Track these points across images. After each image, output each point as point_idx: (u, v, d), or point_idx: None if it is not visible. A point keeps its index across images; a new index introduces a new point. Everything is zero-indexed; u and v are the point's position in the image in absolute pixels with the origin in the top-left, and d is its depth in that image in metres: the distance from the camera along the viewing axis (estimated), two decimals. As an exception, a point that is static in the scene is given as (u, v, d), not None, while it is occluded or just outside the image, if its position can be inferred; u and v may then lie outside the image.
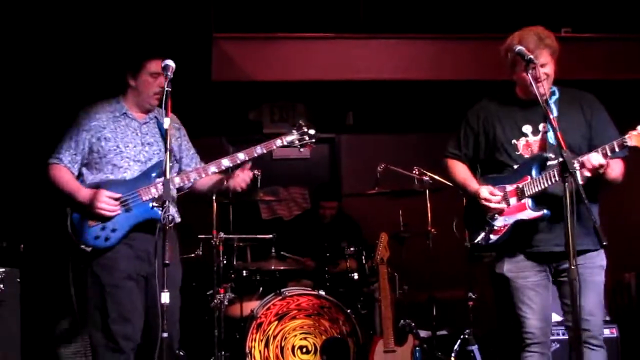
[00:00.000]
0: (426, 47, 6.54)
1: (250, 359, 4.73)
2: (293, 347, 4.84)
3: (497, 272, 3.60)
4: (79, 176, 3.80)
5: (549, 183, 3.36)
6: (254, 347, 4.77)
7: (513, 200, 3.51)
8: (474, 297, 5.48)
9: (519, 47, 3.27)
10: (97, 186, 3.70)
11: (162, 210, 3.14)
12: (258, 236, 5.44)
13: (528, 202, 3.48)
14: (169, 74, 3.31)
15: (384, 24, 6.45)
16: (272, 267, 5.29)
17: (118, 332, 3.68)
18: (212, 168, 3.80)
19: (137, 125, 3.91)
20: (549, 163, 3.46)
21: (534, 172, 3.47)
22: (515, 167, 3.55)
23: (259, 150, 3.78)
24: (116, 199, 3.67)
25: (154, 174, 3.79)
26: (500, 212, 3.52)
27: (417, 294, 5.49)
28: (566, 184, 2.94)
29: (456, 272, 5.54)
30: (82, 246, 3.64)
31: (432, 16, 6.49)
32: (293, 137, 3.88)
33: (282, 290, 4.96)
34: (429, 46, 6.54)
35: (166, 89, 3.29)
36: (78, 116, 3.84)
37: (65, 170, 3.77)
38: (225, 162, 3.79)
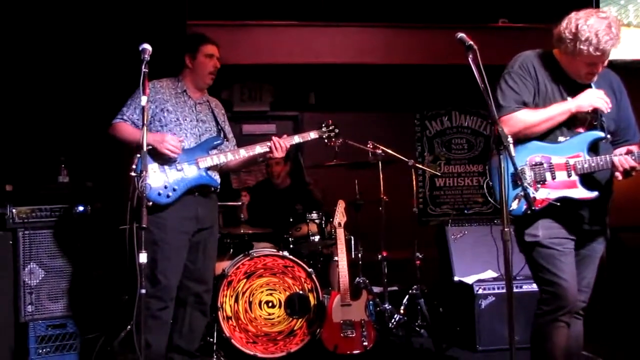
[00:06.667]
0: (380, 35, 6.54)
1: (221, 312, 4.74)
2: (260, 302, 4.84)
3: (530, 240, 3.11)
4: None
5: (606, 167, 3.03)
6: (225, 302, 4.78)
7: (561, 175, 3.06)
8: (420, 257, 5.60)
9: (460, 35, 2.84)
10: None
11: (140, 181, 3.16)
12: (229, 203, 5.40)
13: (577, 180, 3.06)
14: (145, 56, 3.30)
15: (343, 14, 6.47)
16: (242, 231, 5.29)
17: (163, 283, 3.78)
18: (258, 148, 3.99)
19: (192, 103, 4.06)
20: (601, 144, 3.10)
21: (585, 150, 3.06)
22: (563, 139, 3.11)
23: (296, 139, 4.08)
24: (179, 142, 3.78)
25: (209, 146, 3.97)
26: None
27: (370, 254, 5.52)
28: (501, 156, 2.73)
29: (405, 235, 5.60)
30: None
31: (386, 7, 6.51)
32: (323, 131, 4.19)
33: (250, 251, 4.94)
34: (383, 34, 6.55)
35: (143, 70, 3.28)
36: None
37: (131, 126, 3.83)
38: (258, 149, 4.01)
